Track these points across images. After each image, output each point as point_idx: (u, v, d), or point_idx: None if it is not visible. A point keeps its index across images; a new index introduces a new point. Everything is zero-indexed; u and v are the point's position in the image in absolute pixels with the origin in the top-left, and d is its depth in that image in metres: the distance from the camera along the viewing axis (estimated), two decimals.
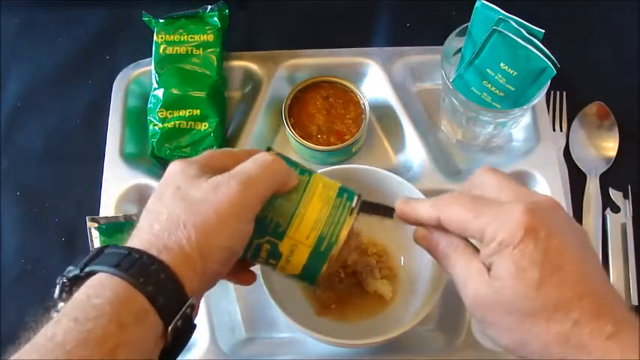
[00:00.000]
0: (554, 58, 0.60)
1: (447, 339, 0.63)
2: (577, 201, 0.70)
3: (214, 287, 0.63)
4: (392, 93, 0.73)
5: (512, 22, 0.61)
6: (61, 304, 0.39)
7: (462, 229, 0.42)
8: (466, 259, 0.42)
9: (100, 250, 0.40)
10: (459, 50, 0.67)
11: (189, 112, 0.70)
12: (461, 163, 0.73)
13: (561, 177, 0.69)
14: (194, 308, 0.40)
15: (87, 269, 0.39)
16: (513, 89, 0.63)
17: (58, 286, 0.40)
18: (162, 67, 0.72)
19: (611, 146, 0.73)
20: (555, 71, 0.60)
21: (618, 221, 0.69)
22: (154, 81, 0.72)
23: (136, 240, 0.41)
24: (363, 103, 0.71)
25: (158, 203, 0.43)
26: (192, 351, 0.61)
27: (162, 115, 0.70)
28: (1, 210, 0.71)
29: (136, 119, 0.73)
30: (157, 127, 0.70)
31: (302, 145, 0.69)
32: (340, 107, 0.71)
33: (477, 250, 0.42)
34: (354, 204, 0.48)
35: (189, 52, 0.73)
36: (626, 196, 0.70)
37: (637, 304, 0.65)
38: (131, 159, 0.71)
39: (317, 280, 0.48)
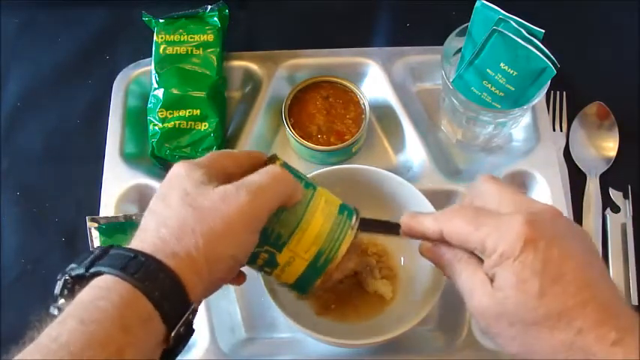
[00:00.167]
0: (554, 58, 0.60)
1: (447, 339, 0.63)
2: (577, 201, 0.70)
3: None
4: (392, 93, 0.73)
5: (512, 22, 0.61)
6: (61, 301, 0.39)
7: (463, 242, 0.43)
8: (470, 270, 0.43)
9: (105, 251, 0.40)
10: (459, 50, 0.67)
11: (189, 112, 0.70)
12: (461, 163, 0.73)
13: (561, 177, 0.69)
14: (195, 313, 0.41)
15: (92, 269, 0.39)
16: (513, 89, 0.63)
17: (60, 283, 0.40)
18: (162, 67, 0.72)
19: (611, 146, 0.73)
20: (555, 71, 0.60)
21: (618, 221, 0.69)
22: (153, 81, 0.72)
23: (142, 242, 0.41)
24: (363, 103, 0.71)
25: (164, 206, 0.43)
26: (192, 351, 0.61)
27: (162, 115, 0.70)
28: (1, 210, 0.71)
29: (136, 119, 0.73)
30: (157, 127, 0.70)
31: (302, 145, 0.69)
32: (340, 107, 0.71)
33: (481, 261, 0.42)
34: (353, 222, 0.48)
35: (189, 52, 0.73)
36: (626, 196, 0.70)
37: (637, 304, 0.65)
38: (131, 159, 0.71)
39: (308, 292, 0.48)
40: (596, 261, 0.41)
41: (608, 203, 0.70)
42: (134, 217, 0.66)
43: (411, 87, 0.76)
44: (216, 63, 0.73)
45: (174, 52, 0.73)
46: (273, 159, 0.49)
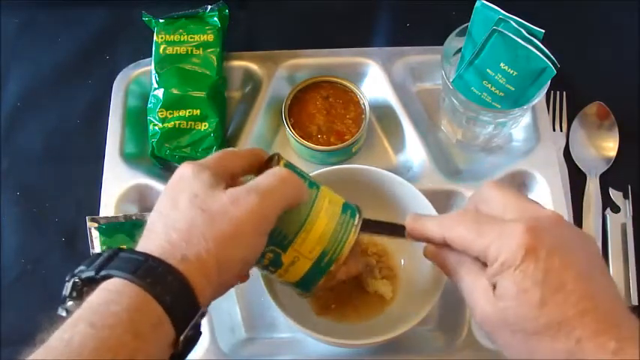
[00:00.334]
0: (554, 58, 0.60)
1: (447, 339, 0.63)
2: (577, 201, 0.70)
3: None
4: (392, 93, 0.73)
5: (512, 22, 0.61)
6: (70, 303, 0.39)
7: (466, 248, 0.43)
8: (473, 276, 0.43)
9: (115, 253, 0.40)
10: (459, 50, 0.67)
11: (189, 112, 0.70)
12: (461, 163, 0.73)
13: (561, 177, 0.69)
14: (204, 316, 0.41)
15: (102, 272, 0.39)
16: (513, 89, 0.63)
17: (68, 284, 0.40)
18: (162, 67, 0.72)
19: (611, 146, 0.73)
20: (555, 71, 0.60)
21: (618, 221, 0.69)
22: (153, 81, 0.72)
23: (151, 245, 0.41)
24: (363, 103, 0.71)
25: (173, 208, 0.42)
26: (192, 351, 0.61)
27: (162, 115, 0.70)
28: (1, 210, 0.71)
29: (136, 119, 0.73)
30: (157, 127, 0.70)
31: (302, 145, 0.69)
32: (340, 107, 0.71)
33: (484, 266, 0.42)
34: (356, 221, 0.49)
35: (189, 52, 0.73)
36: (626, 196, 0.70)
37: (637, 304, 0.65)
38: (131, 159, 0.71)
39: (312, 291, 0.49)
40: (599, 269, 0.41)
41: (608, 203, 0.70)
42: (134, 217, 0.66)
43: (411, 87, 0.76)
44: (216, 63, 0.73)
45: (174, 52, 0.73)
46: (275, 158, 0.49)
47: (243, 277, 0.50)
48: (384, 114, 0.74)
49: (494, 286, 0.41)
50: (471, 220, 0.43)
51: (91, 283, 0.39)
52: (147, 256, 0.39)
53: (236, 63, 0.76)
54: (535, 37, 0.60)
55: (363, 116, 0.71)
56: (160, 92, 0.71)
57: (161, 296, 0.38)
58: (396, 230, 0.49)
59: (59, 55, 0.80)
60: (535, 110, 0.72)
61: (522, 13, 0.62)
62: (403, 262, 0.64)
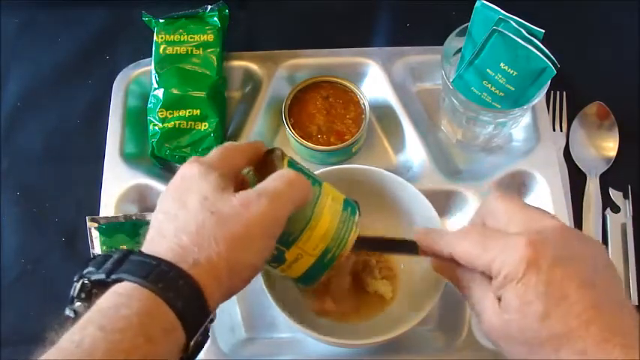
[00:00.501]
0: (554, 58, 0.60)
1: (447, 339, 0.63)
2: (577, 201, 0.70)
3: None
4: (392, 93, 0.73)
5: (512, 22, 0.61)
6: (78, 304, 0.39)
7: (471, 264, 0.44)
8: (481, 290, 0.44)
9: (124, 256, 0.40)
10: (459, 50, 0.67)
11: (189, 112, 0.70)
12: (461, 163, 0.73)
13: (561, 177, 0.69)
14: (213, 320, 0.41)
15: (113, 276, 0.39)
16: (513, 89, 0.63)
17: (77, 285, 0.40)
18: (162, 67, 0.72)
19: (611, 146, 0.73)
20: (555, 71, 0.60)
21: (618, 221, 0.69)
22: (153, 81, 0.72)
23: (161, 248, 0.40)
24: (363, 103, 0.71)
25: (182, 209, 0.42)
26: None
27: (162, 115, 0.70)
28: (1, 210, 0.71)
29: (136, 119, 0.73)
30: (156, 127, 0.70)
31: (302, 145, 0.69)
32: (340, 107, 0.71)
33: (490, 280, 0.43)
34: (356, 218, 0.49)
35: (189, 52, 0.73)
36: (626, 196, 0.70)
37: (637, 304, 0.65)
38: (131, 159, 0.71)
39: (311, 286, 0.49)
40: (605, 276, 0.41)
41: (608, 203, 0.70)
42: (134, 217, 0.66)
43: (411, 87, 0.76)
44: (216, 63, 0.73)
45: (174, 52, 0.73)
46: (277, 153, 0.48)
47: None
48: (384, 114, 0.74)
49: (499, 299, 0.42)
50: (476, 235, 0.44)
51: (101, 286, 0.39)
52: (159, 261, 0.39)
53: (236, 63, 0.76)
54: (535, 37, 0.60)
55: (363, 116, 0.71)
56: (159, 92, 0.71)
57: (173, 301, 0.38)
58: (409, 248, 0.50)
59: (59, 55, 0.80)
60: (535, 110, 0.72)
61: (522, 13, 0.62)
62: (403, 263, 0.64)
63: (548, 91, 0.66)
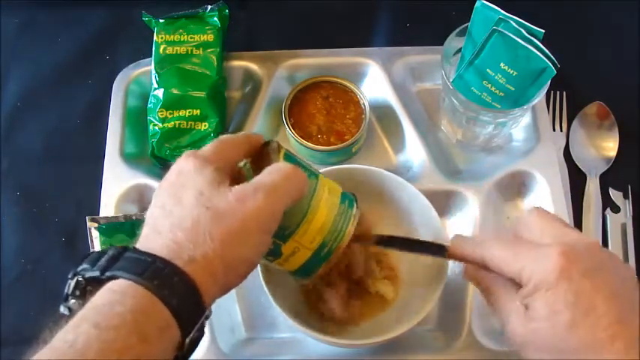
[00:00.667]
0: (554, 58, 0.60)
1: (447, 339, 0.63)
2: (577, 201, 0.70)
3: None
4: (392, 93, 0.73)
5: (512, 22, 0.61)
6: (72, 301, 0.39)
7: (501, 270, 0.44)
8: (507, 297, 0.44)
9: (119, 253, 0.40)
10: (459, 50, 0.67)
11: (189, 112, 0.70)
12: (461, 163, 0.73)
13: (561, 177, 0.69)
14: (208, 317, 0.40)
15: (108, 273, 0.38)
16: (513, 89, 0.63)
17: (71, 282, 0.39)
18: (162, 67, 0.72)
19: (611, 146, 0.73)
20: (555, 71, 0.60)
21: (618, 221, 0.69)
22: (153, 81, 0.72)
23: (156, 244, 0.40)
24: (363, 103, 0.71)
25: (177, 205, 0.41)
26: None
27: (162, 115, 0.70)
28: (1, 210, 0.71)
29: (136, 119, 0.73)
30: (156, 127, 0.70)
31: (302, 145, 0.69)
32: (340, 107, 0.71)
33: (518, 288, 0.43)
34: (354, 211, 0.49)
35: (189, 52, 0.73)
36: (626, 196, 0.70)
37: None
38: (131, 159, 0.71)
39: (309, 279, 0.49)
40: (632, 293, 0.41)
41: (608, 203, 0.70)
42: (134, 217, 0.66)
43: (411, 87, 0.76)
44: (216, 63, 0.73)
45: (174, 52, 0.73)
46: (274, 146, 0.48)
47: None
48: (384, 114, 0.74)
49: (526, 307, 0.42)
50: (508, 242, 0.45)
51: (95, 283, 0.39)
52: (154, 257, 0.39)
53: (236, 63, 0.76)
54: (535, 37, 0.60)
55: (363, 116, 0.71)
56: (159, 92, 0.71)
57: (168, 299, 0.37)
58: (437, 250, 0.50)
59: (59, 55, 0.80)
60: (535, 110, 0.72)
61: (522, 13, 0.62)
62: (404, 263, 0.64)
63: (548, 91, 0.66)
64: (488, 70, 0.63)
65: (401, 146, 0.73)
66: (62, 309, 0.39)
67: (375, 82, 0.75)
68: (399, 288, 0.62)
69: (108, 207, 0.67)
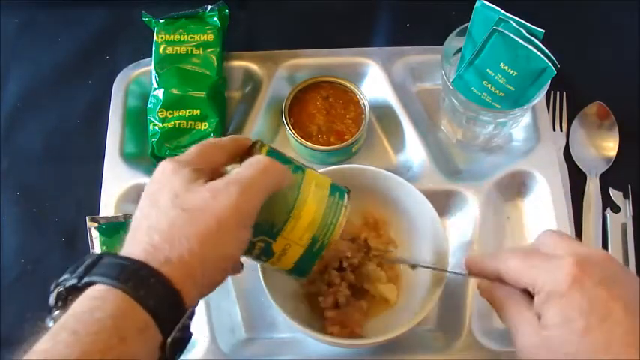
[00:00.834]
0: (554, 58, 0.60)
1: (447, 339, 0.63)
2: (577, 201, 0.70)
3: None
4: (392, 93, 0.73)
5: (512, 22, 0.61)
6: (56, 312, 0.39)
7: (516, 280, 0.44)
8: (518, 308, 0.44)
9: (98, 259, 0.40)
10: (459, 50, 0.67)
11: (189, 112, 0.70)
12: (461, 163, 0.73)
13: (561, 177, 0.69)
14: (192, 317, 0.40)
15: (85, 279, 0.39)
16: (513, 89, 0.63)
17: (53, 295, 0.40)
18: (162, 67, 0.72)
19: (611, 146, 0.73)
20: (555, 71, 0.60)
21: (618, 221, 0.69)
22: (153, 81, 0.72)
23: (134, 248, 0.40)
24: (363, 103, 0.71)
25: (154, 208, 0.42)
26: (192, 351, 0.61)
27: (162, 115, 0.70)
28: (1, 210, 0.71)
29: (136, 119, 0.73)
30: (156, 127, 0.70)
31: (302, 145, 0.69)
32: (340, 107, 0.71)
33: (532, 300, 0.44)
34: (345, 202, 0.48)
35: (189, 52, 0.73)
36: (626, 196, 0.70)
37: None
38: (131, 159, 0.71)
39: (306, 276, 0.49)
40: None
41: (608, 203, 0.70)
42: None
43: (411, 87, 0.76)
44: (216, 63, 0.73)
45: (174, 52, 0.73)
46: (256, 145, 0.48)
47: (236, 269, 0.49)
48: (384, 114, 0.74)
49: (539, 316, 0.42)
50: (523, 254, 0.45)
51: (75, 291, 0.39)
52: (130, 260, 0.39)
53: (236, 63, 0.76)
54: (535, 37, 0.60)
55: (363, 116, 0.71)
56: (159, 92, 0.71)
57: (144, 300, 0.37)
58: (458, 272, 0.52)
59: (59, 55, 0.80)
60: (535, 110, 0.72)
61: (522, 13, 0.62)
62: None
63: (548, 91, 0.66)
64: (488, 70, 0.63)
65: (401, 146, 0.73)
66: (48, 322, 0.39)
67: (375, 82, 0.75)
68: (399, 288, 0.62)
69: (108, 207, 0.67)
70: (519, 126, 0.71)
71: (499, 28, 0.60)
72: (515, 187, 0.70)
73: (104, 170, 0.69)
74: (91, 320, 0.36)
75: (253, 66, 0.76)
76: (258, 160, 0.44)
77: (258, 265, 0.55)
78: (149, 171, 0.69)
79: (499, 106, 0.65)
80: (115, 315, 0.36)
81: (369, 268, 0.61)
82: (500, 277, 0.46)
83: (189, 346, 0.61)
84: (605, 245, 0.68)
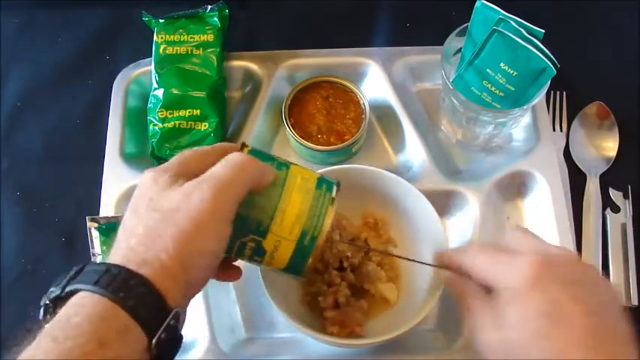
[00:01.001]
0: (554, 58, 0.60)
1: (447, 339, 0.63)
2: (577, 201, 0.70)
3: (214, 287, 0.64)
4: (392, 93, 0.73)
5: (512, 22, 0.61)
6: (45, 325, 0.39)
7: (481, 276, 0.45)
8: (480, 305, 0.44)
9: (80, 269, 0.40)
10: (459, 50, 0.67)
11: (189, 112, 0.70)
12: (461, 163, 0.73)
13: (561, 177, 0.69)
14: (179, 319, 0.40)
15: (68, 289, 0.39)
16: (513, 89, 0.63)
17: (42, 308, 0.40)
18: (162, 67, 0.72)
19: (611, 146, 0.73)
20: (555, 71, 0.60)
21: (618, 221, 0.69)
22: (153, 81, 0.72)
23: (115, 256, 0.41)
24: (363, 103, 0.71)
25: (134, 217, 0.42)
26: (192, 351, 0.61)
27: (162, 115, 0.70)
28: (1, 210, 0.71)
29: (136, 119, 0.73)
30: (156, 127, 0.70)
31: (302, 145, 0.69)
32: (340, 107, 0.71)
33: (495, 299, 0.44)
34: (333, 193, 0.48)
35: (189, 52, 0.73)
36: (626, 196, 0.70)
37: (637, 304, 0.65)
38: (131, 159, 0.71)
39: (303, 274, 0.48)
40: (612, 311, 0.41)
41: (608, 203, 0.70)
42: None
43: (411, 87, 0.76)
44: (216, 63, 0.73)
45: (174, 52, 0.73)
46: (242, 147, 0.48)
47: (235, 273, 0.49)
48: (384, 114, 0.74)
49: (498, 314, 0.42)
50: (489, 251, 0.45)
51: (60, 302, 0.39)
52: (109, 266, 0.39)
53: (236, 63, 0.76)
54: (535, 37, 0.60)
55: (363, 116, 0.71)
56: (159, 92, 0.71)
57: (124, 302, 0.37)
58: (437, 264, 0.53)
59: (59, 55, 0.80)
60: (535, 110, 0.72)
61: (522, 13, 0.62)
62: (405, 263, 0.63)
63: (548, 91, 0.66)
64: (488, 70, 0.63)
65: (401, 146, 0.73)
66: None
67: (375, 82, 0.75)
68: (399, 288, 0.62)
69: (108, 207, 0.67)
70: (519, 126, 0.71)
71: (499, 28, 0.60)
72: (515, 187, 0.70)
73: (104, 170, 0.69)
74: (69, 326, 0.36)
75: (253, 66, 0.76)
76: (232, 157, 0.44)
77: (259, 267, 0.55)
78: None
79: (499, 106, 0.65)
80: (93, 319, 0.37)
81: (369, 268, 0.61)
82: (467, 272, 0.46)
83: (189, 346, 0.61)
84: (605, 245, 0.68)
